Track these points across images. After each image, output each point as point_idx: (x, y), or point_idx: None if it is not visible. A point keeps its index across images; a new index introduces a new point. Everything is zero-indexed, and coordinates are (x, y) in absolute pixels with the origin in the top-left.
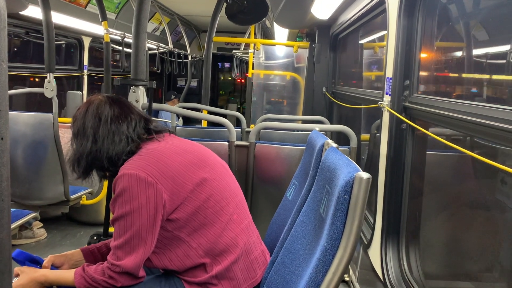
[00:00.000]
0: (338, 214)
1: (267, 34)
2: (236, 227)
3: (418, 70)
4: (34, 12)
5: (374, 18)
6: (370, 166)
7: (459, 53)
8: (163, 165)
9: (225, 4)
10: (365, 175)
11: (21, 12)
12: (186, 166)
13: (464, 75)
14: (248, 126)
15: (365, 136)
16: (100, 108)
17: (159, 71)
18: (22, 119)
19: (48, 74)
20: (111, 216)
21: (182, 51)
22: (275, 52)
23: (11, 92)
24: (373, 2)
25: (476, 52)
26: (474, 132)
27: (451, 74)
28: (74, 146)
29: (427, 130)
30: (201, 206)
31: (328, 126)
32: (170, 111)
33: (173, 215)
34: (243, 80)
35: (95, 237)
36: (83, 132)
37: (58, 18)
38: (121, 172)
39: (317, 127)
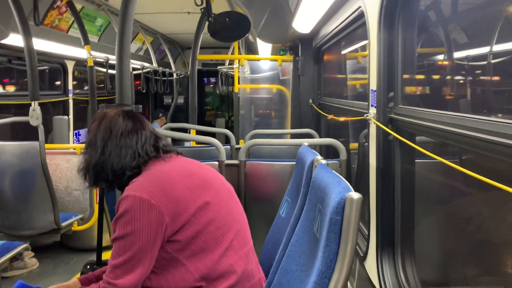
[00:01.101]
0: (332, 236)
1: (251, 47)
2: (234, 254)
3: (402, 82)
4: (15, 40)
5: (355, 30)
6: (361, 176)
7: (441, 64)
8: (168, 187)
9: (207, 23)
10: (356, 195)
11: (1, 41)
12: (190, 189)
13: (445, 81)
14: (238, 142)
15: (354, 145)
16: (113, 121)
17: (144, 90)
18: (8, 149)
19: (32, 102)
20: (112, 235)
21: (167, 69)
22: (260, 65)
23: None
24: (353, 15)
25: (457, 55)
26: (459, 143)
27: (434, 81)
28: (85, 156)
29: (415, 140)
30: (202, 230)
31: (317, 140)
32: None
33: (173, 237)
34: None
35: (88, 266)
36: (94, 143)
37: (40, 44)
38: (125, 193)
39: (306, 141)
